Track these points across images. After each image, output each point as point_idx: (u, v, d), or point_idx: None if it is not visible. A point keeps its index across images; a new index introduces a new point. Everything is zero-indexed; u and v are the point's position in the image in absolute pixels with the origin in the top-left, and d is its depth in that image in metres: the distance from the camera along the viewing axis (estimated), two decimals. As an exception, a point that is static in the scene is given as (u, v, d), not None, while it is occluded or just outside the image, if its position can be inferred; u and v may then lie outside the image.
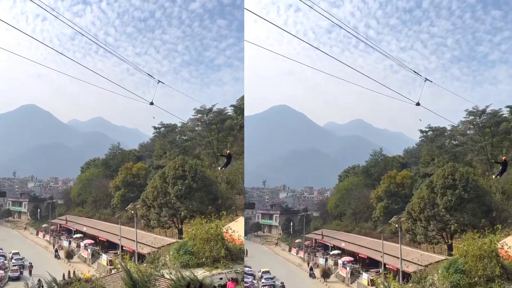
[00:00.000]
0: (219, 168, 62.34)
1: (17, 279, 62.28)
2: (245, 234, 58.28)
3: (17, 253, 68.46)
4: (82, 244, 71.22)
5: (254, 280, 66.18)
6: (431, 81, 53.31)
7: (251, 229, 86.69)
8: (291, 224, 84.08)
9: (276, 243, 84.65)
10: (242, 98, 71.10)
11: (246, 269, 68.54)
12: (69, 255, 70.21)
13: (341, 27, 41.79)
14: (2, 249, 70.63)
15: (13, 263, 66.45)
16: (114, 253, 65.86)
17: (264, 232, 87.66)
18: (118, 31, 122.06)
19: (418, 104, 49.55)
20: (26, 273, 64.37)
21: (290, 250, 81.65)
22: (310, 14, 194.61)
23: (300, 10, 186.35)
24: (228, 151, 55.43)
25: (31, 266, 64.71)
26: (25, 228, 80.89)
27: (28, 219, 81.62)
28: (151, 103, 57.70)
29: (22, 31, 45.89)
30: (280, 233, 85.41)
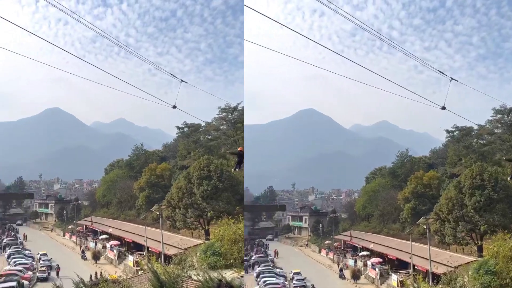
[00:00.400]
0: (232, 170, 56.71)
1: (45, 280, 62.66)
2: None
3: (45, 254, 68.92)
4: (108, 245, 71.48)
5: (286, 281, 65.95)
6: (457, 80, 52.38)
7: (282, 231, 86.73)
8: (320, 225, 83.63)
9: (306, 245, 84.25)
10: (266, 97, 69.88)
11: (278, 270, 68.56)
12: (96, 256, 70.44)
13: (364, 29, 41.11)
14: (30, 250, 71.33)
15: (41, 264, 66.77)
16: (140, 254, 65.97)
17: (294, 234, 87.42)
18: (139, 32, 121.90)
19: (443, 108, 48.67)
20: (53, 274, 64.73)
21: (320, 252, 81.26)
22: (334, 18, 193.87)
23: (324, 15, 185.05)
24: (239, 148, 45.58)
25: (58, 268, 65.12)
26: (52, 229, 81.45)
27: (55, 221, 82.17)
28: (174, 107, 54.54)
29: (41, 37, 46.27)
30: (310, 235, 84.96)
